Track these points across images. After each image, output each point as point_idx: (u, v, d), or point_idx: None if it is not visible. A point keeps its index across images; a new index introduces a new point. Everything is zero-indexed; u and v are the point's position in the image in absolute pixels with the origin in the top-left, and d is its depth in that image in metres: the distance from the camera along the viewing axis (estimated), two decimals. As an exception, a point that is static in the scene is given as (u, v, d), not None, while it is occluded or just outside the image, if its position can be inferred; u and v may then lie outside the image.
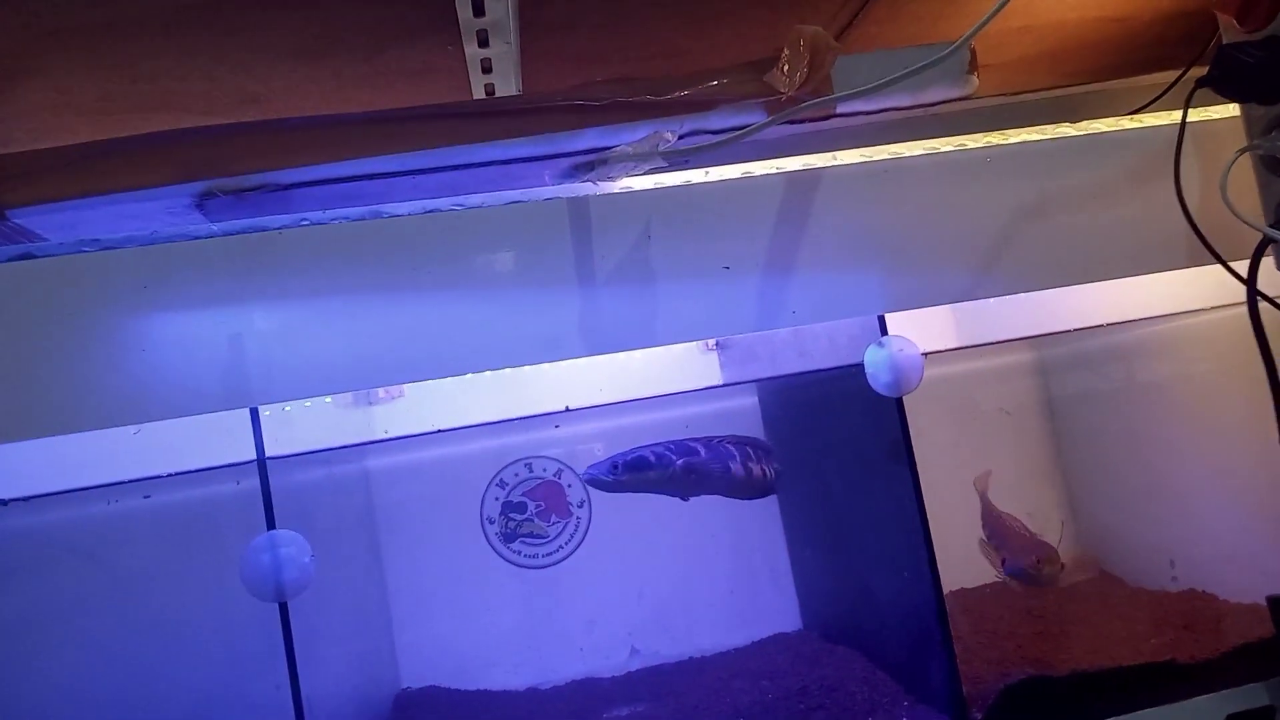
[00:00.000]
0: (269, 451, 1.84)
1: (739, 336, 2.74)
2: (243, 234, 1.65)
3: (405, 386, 2.60)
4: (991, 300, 2.24)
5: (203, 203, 1.68)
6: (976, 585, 3.00)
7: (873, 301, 1.96)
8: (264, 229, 1.67)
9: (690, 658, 2.93)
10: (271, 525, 1.78)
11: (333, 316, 1.68)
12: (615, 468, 2.02)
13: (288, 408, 1.99)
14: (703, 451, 2.11)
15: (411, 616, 2.83)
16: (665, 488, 2.08)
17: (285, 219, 1.71)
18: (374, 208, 1.66)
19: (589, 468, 2.06)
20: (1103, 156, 2.06)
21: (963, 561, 2.96)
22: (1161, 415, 2.71)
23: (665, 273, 1.88)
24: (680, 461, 2.06)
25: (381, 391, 2.66)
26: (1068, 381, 3.08)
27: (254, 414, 1.79)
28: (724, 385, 2.33)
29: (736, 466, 2.13)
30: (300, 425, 2.23)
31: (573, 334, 1.84)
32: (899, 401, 1.96)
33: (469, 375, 1.80)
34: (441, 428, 2.61)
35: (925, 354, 1.95)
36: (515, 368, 1.80)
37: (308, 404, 2.26)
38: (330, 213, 1.68)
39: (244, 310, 1.66)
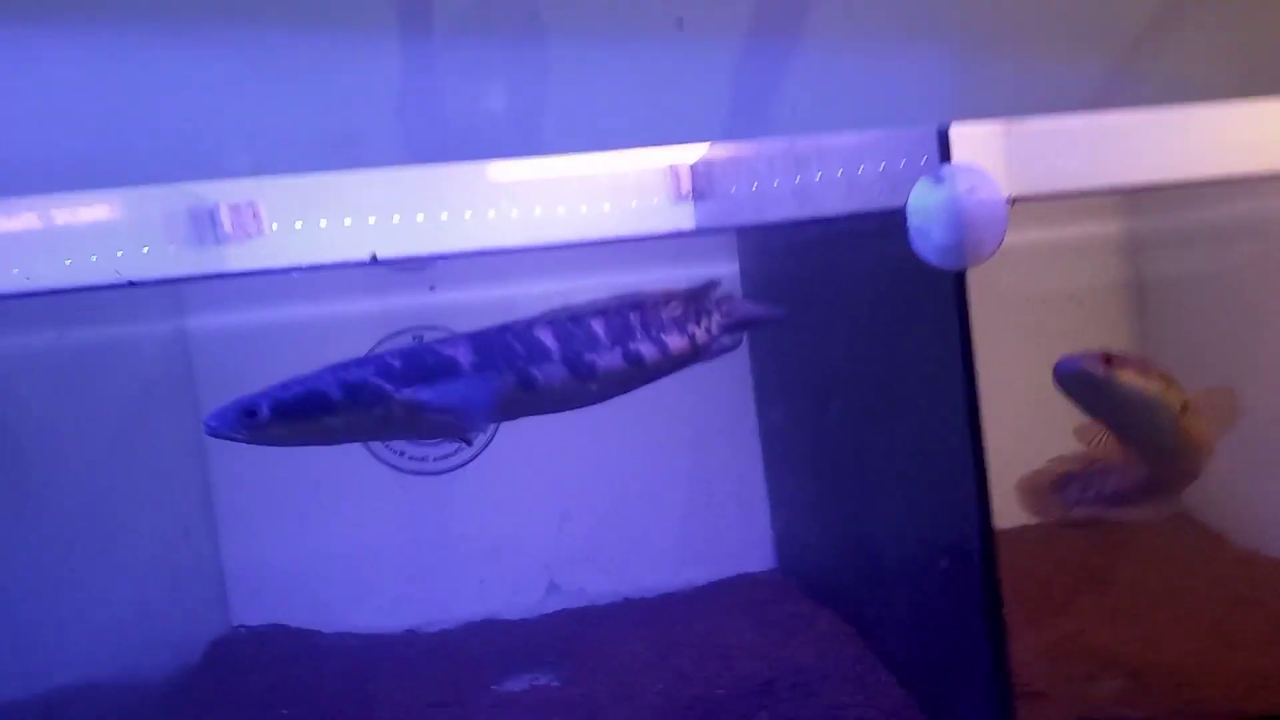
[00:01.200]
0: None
1: (722, 176, 1.88)
2: None
3: (267, 218, 1.77)
4: (1067, 131, 1.40)
5: None
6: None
7: (931, 101, 1.11)
8: None
9: (625, 599, 2.23)
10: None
11: None
12: (252, 414, 1.17)
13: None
14: (493, 356, 1.26)
15: (249, 533, 2.10)
16: (386, 431, 1.32)
17: None
18: None
19: (211, 415, 1.20)
20: None
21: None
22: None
23: (571, 27, 1.03)
24: (404, 393, 1.21)
25: (228, 222, 1.81)
26: (1166, 265, 2.26)
27: None
28: (671, 235, 1.49)
29: (602, 359, 1.32)
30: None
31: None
32: (960, 277, 1.15)
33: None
34: (297, 264, 1.80)
35: (1015, 200, 1.13)
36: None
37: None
38: None
39: None
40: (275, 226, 1.26)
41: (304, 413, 1.17)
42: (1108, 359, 1.48)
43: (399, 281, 2.16)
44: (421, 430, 1.30)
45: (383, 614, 2.14)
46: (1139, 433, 1.60)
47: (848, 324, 1.69)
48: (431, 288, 2.10)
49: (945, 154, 1.13)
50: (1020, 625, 1.76)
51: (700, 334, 1.41)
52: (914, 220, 1.12)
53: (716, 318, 1.44)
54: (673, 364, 1.41)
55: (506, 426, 2.27)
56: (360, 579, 2.14)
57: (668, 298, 1.41)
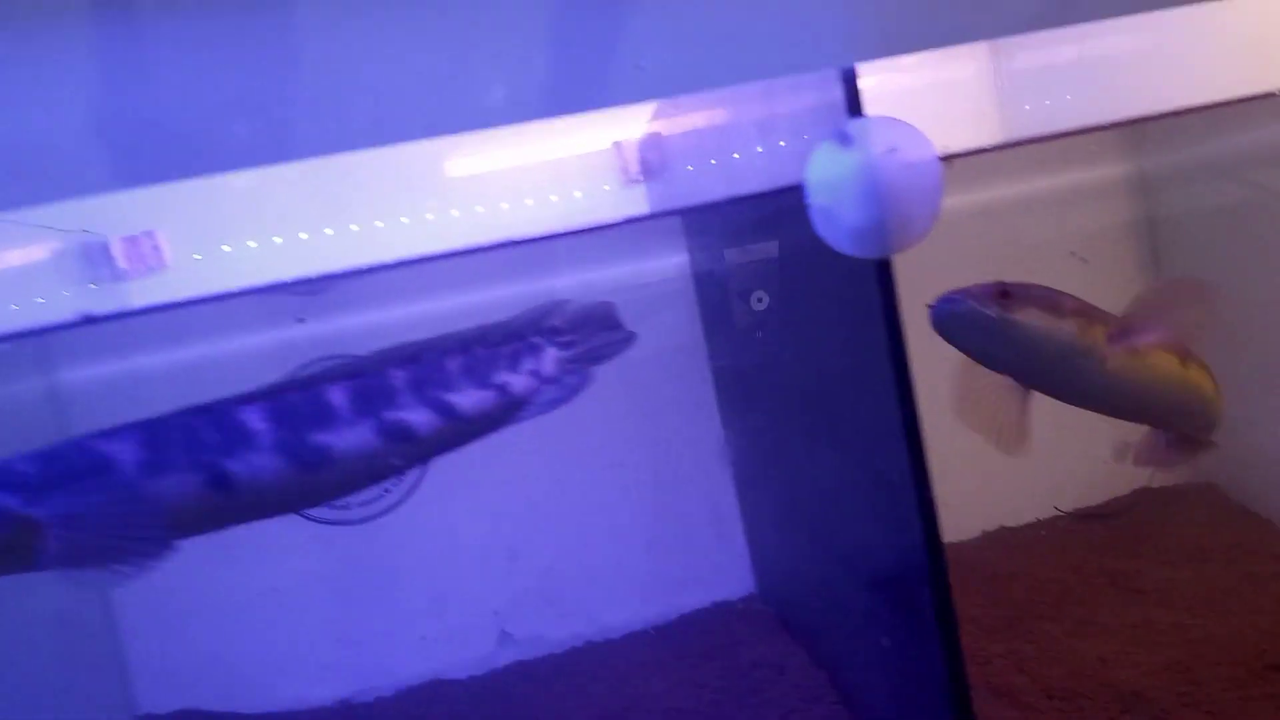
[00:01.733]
0: None
1: (678, 154, 1.60)
2: None
3: (167, 250, 1.51)
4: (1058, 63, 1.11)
5: None
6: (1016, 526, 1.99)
7: (824, 39, 0.82)
8: None
9: (588, 643, 1.97)
10: None
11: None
12: None
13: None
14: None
15: (152, 611, 1.86)
16: (20, 563, 0.91)
17: None
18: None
19: None
20: None
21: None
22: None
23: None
24: (38, 510, 0.88)
25: (123, 258, 1.56)
26: (1182, 206, 1.94)
27: None
28: (594, 229, 1.21)
29: (341, 439, 1.03)
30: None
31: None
32: (883, 269, 0.86)
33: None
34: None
35: (952, 157, 0.84)
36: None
37: None
38: None
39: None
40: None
41: None
42: (1003, 292, 1.12)
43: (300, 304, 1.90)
44: (71, 559, 0.95)
45: (310, 684, 1.90)
46: (1058, 384, 1.25)
47: (793, 320, 1.41)
48: (300, 320, 1.82)
49: (853, 105, 0.84)
50: (1018, 649, 1.48)
51: (519, 381, 1.12)
52: (816, 198, 0.83)
53: (551, 355, 1.15)
54: (468, 429, 1.13)
55: (439, 465, 2.02)
56: (282, 648, 1.90)
57: (469, 340, 1.13)
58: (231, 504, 0.99)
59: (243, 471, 0.98)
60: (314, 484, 1.05)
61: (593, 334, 1.16)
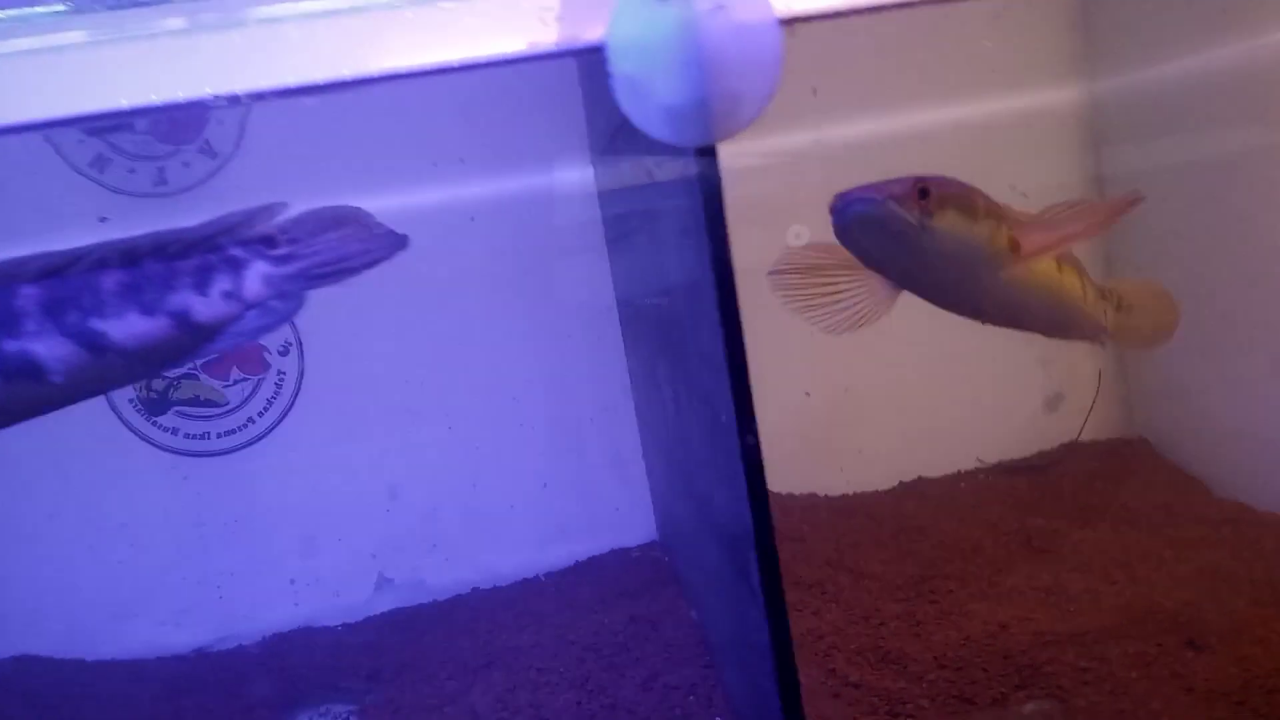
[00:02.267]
0: None
1: None
2: None
3: None
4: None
5: None
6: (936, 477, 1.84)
7: None
8: None
9: (474, 589, 1.83)
10: None
11: None
12: None
13: None
14: None
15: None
16: None
17: None
18: None
19: None
20: None
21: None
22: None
23: None
24: None
25: None
26: (1133, 144, 1.76)
27: None
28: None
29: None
30: None
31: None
32: (707, 159, 0.68)
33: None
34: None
35: (795, 21, 0.65)
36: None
37: None
38: None
39: None
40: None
41: None
42: (922, 191, 0.95)
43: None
44: None
45: (164, 630, 1.74)
46: (949, 291, 1.10)
47: (649, 245, 1.22)
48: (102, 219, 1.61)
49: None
50: (937, 607, 1.34)
51: (206, 306, 0.92)
52: (621, 65, 0.65)
53: (256, 271, 0.95)
54: (127, 367, 0.91)
55: (308, 390, 1.85)
56: (133, 591, 1.74)
57: (139, 250, 0.93)
58: None
59: None
60: None
61: (321, 246, 0.96)
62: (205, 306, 0.91)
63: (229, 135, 1.71)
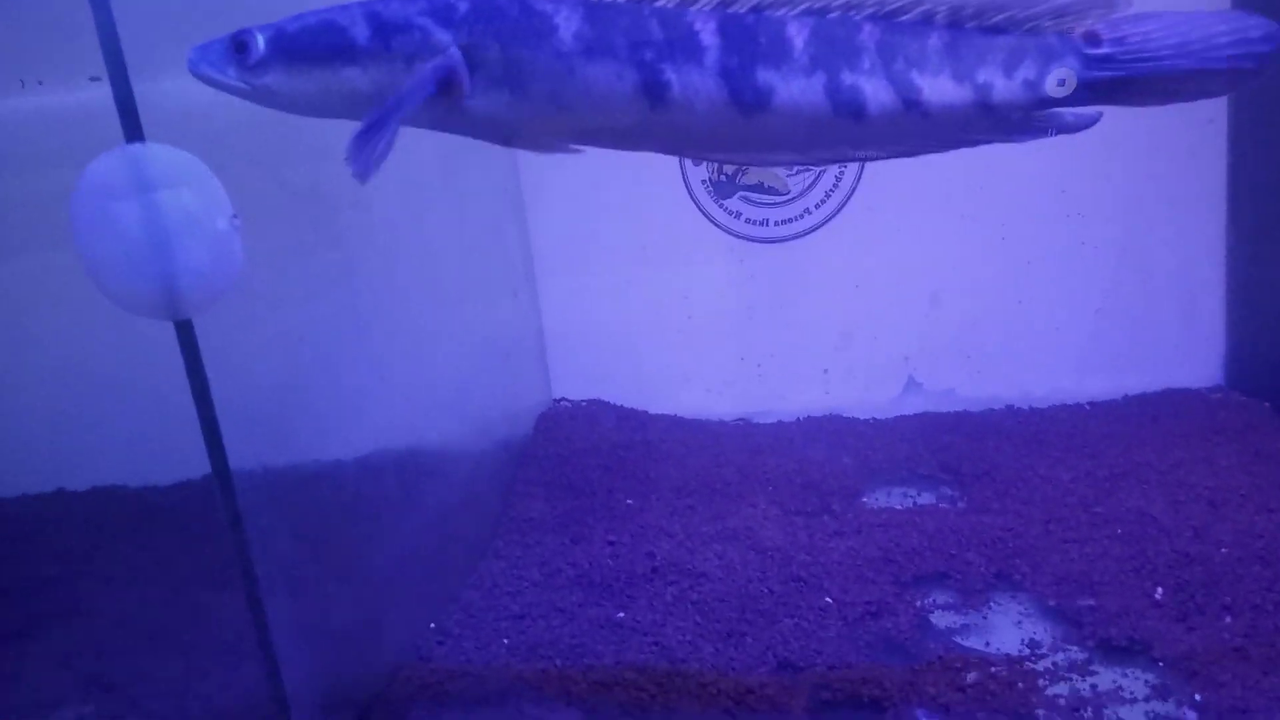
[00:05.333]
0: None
1: None
2: None
3: None
4: None
5: None
6: None
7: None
8: None
9: (1008, 406, 1.78)
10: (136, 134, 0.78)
11: None
12: (243, 47, 0.77)
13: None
14: None
15: (568, 300, 1.89)
16: (432, 107, 0.80)
17: None
18: None
19: (196, 48, 0.79)
20: None
21: None
22: None
23: None
24: (459, 48, 0.77)
25: None
26: None
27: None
28: None
29: (798, 89, 0.82)
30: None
31: None
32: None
33: None
34: None
35: None
36: None
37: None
38: None
39: None
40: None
41: (314, 55, 0.79)
42: None
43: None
44: (483, 126, 0.84)
45: (710, 398, 1.88)
46: None
47: None
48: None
49: None
50: None
51: (1007, 87, 0.82)
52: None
53: (1068, 65, 0.83)
54: (918, 133, 0.87)
55: (868, 188, 1.82)
56: (687, 358, 1.88)
57: (970, 10, 0.83)
58: (650, 120, 0.84)
59: (677, 86, 0.82)
60: (741, 130, 0.87)
61: (1152, 56, 0.83)
62: (1005, 90, 0.85)
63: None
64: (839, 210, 1.79)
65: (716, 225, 1.82)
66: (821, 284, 1.83)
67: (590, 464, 1.60)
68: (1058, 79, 0.88)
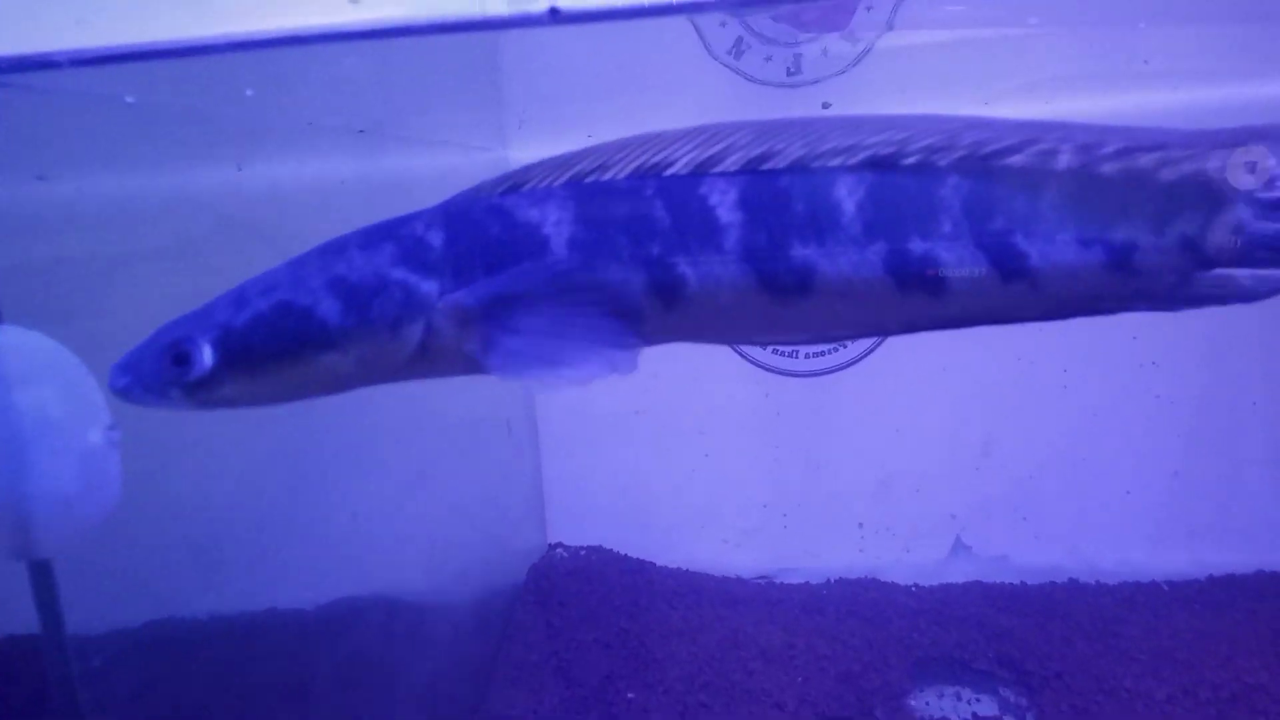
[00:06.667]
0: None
1: None
2: None
3: None
4: None
5: None
6: None
7: None
8: None
9: (1071, 580, 1.54)
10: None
11: None
12: (183, 361, 0.61)
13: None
14: None
15: (568, 441, 1.67)
16: (431, 367, 0.67)
17: None
18: None
19: (118, 366, 0.60)
20: None
21: None
22: None
23: None
24: (454, 298, 0.64)
25: None
26: None
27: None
28: None
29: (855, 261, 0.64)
30: None
31: None
32: None
33: None
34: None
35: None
36: None
37: None
38: None
39: None
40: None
41: (277, 352, 0.63)
42: None
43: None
44: (507, 361, 0.67)
45: (728, 550, 1.65)
46: None
47: None
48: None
49: None
50: None
51: (1157, 250, 0.65)
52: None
53: (1237, 215, 0.65)
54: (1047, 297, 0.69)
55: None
56: (702, 502, 1.65)
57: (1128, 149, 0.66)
58: (665, 321, 0.69)
59: (694, 281, 0.67)
60: (777, 317, 0.70)
61: None
62: (1153, 250, 0.67)
63: (877, 23, 1.49)
64: (879, 343, 1.58)
65: (739, 353, 1.62)
66: (857, 425, 1.61)
67: (587, 640, 1.35)
68: (1226, 233, 0.68)
